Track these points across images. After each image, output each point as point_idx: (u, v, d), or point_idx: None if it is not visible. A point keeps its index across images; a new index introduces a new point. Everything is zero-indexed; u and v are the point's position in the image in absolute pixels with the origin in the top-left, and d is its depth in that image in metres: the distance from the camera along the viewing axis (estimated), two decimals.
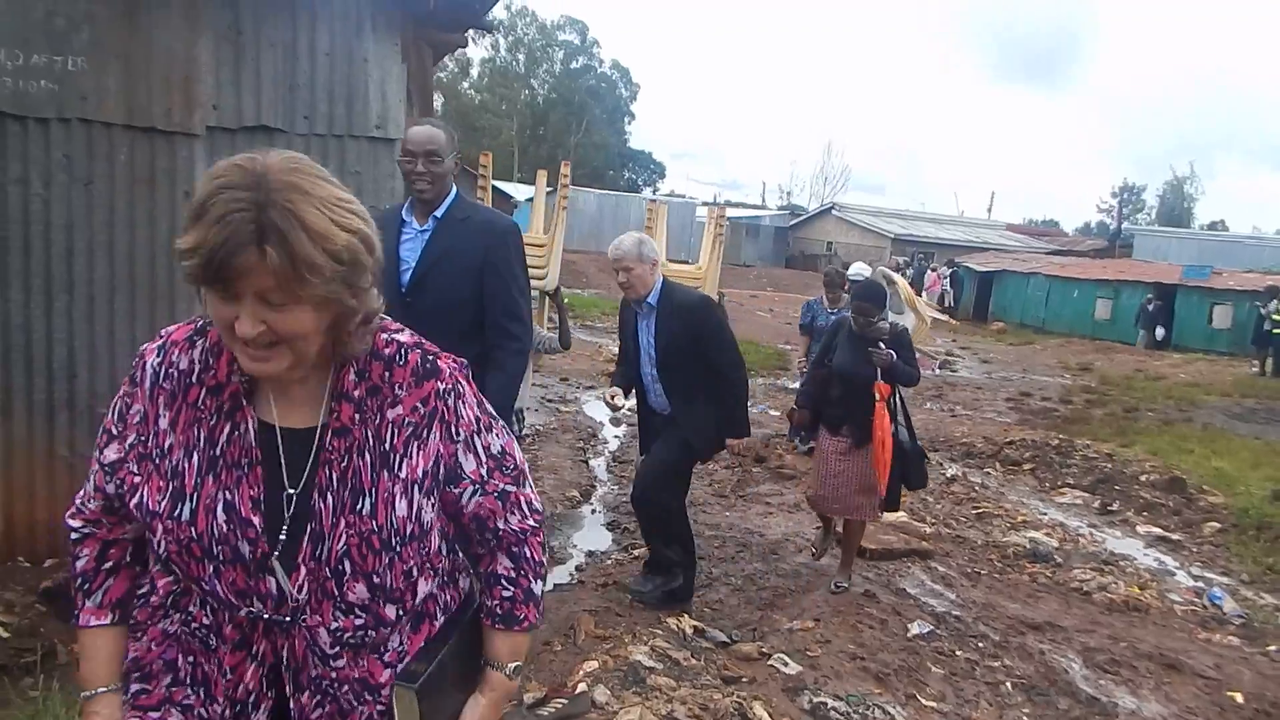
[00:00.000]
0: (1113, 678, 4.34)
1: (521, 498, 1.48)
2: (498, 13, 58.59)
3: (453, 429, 1.37)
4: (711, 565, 5.49)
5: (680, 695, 3.27)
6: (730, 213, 43.15)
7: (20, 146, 3.97)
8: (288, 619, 1.29)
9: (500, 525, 1.45)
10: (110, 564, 1.41)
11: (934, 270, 29.24)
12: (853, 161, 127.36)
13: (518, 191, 32.76)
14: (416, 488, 1.33)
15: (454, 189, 3.17)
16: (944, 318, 16.63)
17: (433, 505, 1.36)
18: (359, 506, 1.29)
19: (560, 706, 3.06)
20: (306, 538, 1.28)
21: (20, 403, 4.15)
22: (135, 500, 1.31)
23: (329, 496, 1.29)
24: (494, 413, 1.47)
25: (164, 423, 1.32)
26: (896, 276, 8.80)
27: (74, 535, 1.41)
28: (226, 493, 1.28)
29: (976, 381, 15.39)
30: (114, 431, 1.36)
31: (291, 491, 1.30)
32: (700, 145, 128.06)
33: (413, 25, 4.62)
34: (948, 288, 29.22)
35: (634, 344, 4.53)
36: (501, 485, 1.44)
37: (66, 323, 4.17)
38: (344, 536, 1.28)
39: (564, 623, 4.04)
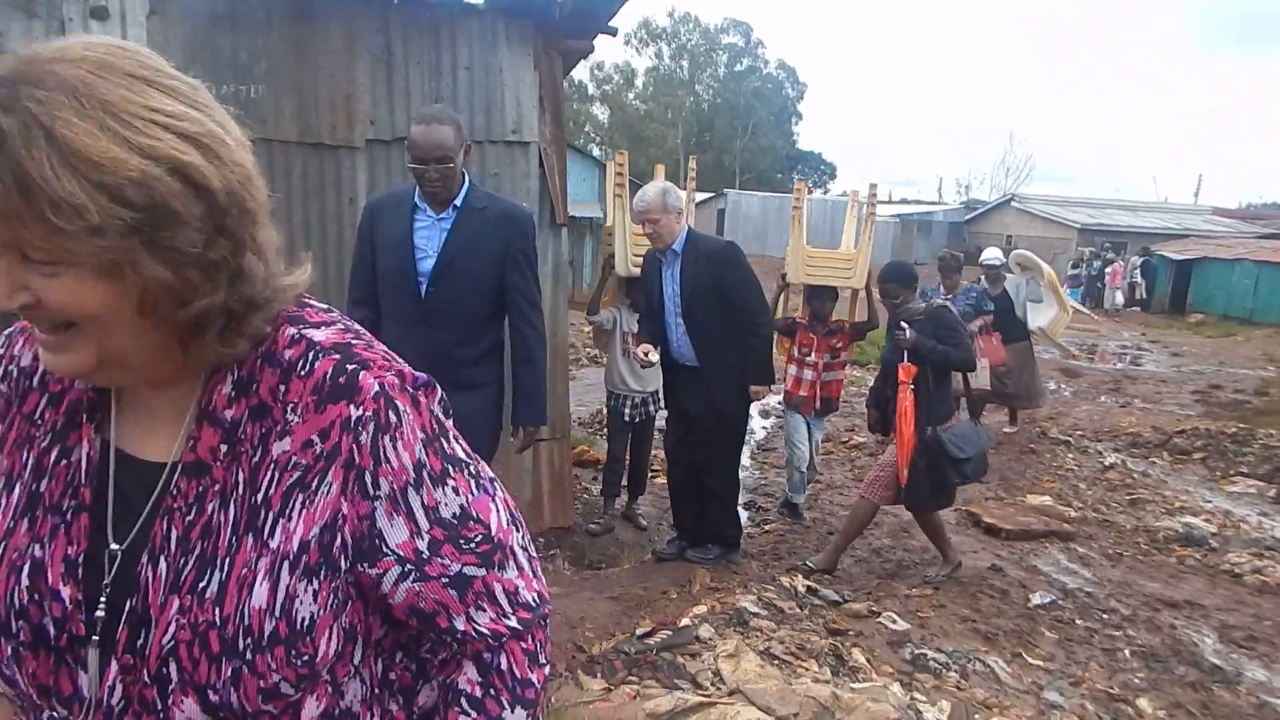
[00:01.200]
0: (1246, 651, 4.25)
1: (497, 585, 1.01)
2: (660, 20, 59.78)
3: (367, 479, 0.92)
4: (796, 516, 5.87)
5: (779, 636, 3.55)
6: (901, 210, 42.18)
7: None
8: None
9: (458, 625, 1.00)
10: None
11: (1117, 261, 27.52)
12: (1039, 150, 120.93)
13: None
14: (287, 565, 0.90)
15: (466, 176, 3.17)
16: (1085, 313, 15.44)
17: (318, 594, 0.91)
18: (201, 584, 0.89)
19: (665, 637, 3.41)
20: (124, 620, 0.89)
21: None
22: None
23: (162, 563, 0.89)
24: (463, 458, 1.00)
25: None
26: (1040, 262, 8.56)
27: None
28: (37, 547, 0.91)
29: (1161, 375, 14.54)
30: None
31: (116, 547, 0.91)
32: (872, 143, 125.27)
33: (542, 36, 5.12)
34: (1138, 279, 27.45)
35: (658, 294, 4.55)
36: (456, 566, 0.97)
37: None
38: (172, 626, 0.88)
39: (682, 576, 4.39)
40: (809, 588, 4.44)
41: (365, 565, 0.94)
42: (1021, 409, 8.80)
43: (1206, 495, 7.18)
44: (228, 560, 0.89)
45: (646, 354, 4.46)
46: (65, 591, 0.90)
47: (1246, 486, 7.40)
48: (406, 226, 3.11)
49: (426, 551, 0.96)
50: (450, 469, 0.98)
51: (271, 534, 0.90)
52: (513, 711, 1.03)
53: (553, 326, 5.17)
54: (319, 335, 0.96)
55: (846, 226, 7.66)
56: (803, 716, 2.79)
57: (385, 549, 0.94)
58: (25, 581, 0.91)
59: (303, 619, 0.90)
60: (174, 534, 0.90)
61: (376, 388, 0.93)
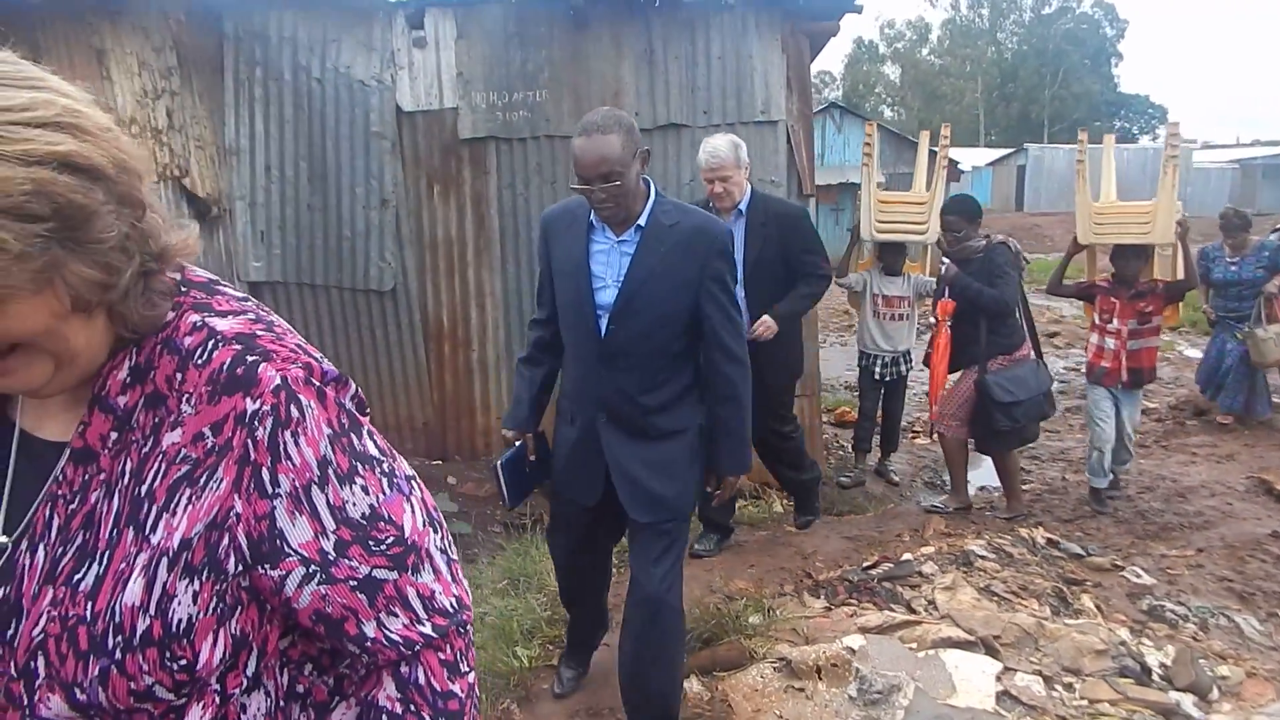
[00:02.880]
0: None
1: (410, 589, 0.99)
2: None
3: (265, 476, 0.90)
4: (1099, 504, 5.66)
5: (1003, 576, 3.78)
6: (1242, 154, 36.95)
7: (509, 161, 5.62)
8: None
9: (368, 632, 0.97)
10: None
11: None
12: None
13: (971, 158, 31.66)
14: (165, 563, 0.88)
15: (650, 187, 2.61)
16: None
17: (198, 595, 0.89)
18: (77, 576, 0.88)
19: (888, 569, 3.77)
20: None
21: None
22: None
23: (40, 551, 0.89)
24: (375, 455, 0.97)
25: None
26: None
27: None
28: None
29: None
30: None
31: (5, 540, 0.90)
32: (1211, 82, 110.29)
33: (789, 23, 5.51)
34: None
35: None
36: (365, 569, 0.95)
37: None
38: (43, 619, 0.87)
39: (917, 522, 4.68)
40: (1050, 540, 4.54)
41: (266, 567, 0.91)
42: None
43: None
44: (107, 553, 0.87)
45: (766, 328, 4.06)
46: None
47: None
48: (582, 250, 2.62)
49: (333, 552, 0.92)
50: (360, 466, 0.94)
51: (154, 529, 0.87)
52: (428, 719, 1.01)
53: None
54: (222, 324, 0.92)
55: (1163, 174, 7.05)
56: (1004, 639, 3.06)
57: (287, 549, 0.91)
58: None
59: (179, 620, 0.87)
60: (55, 522, 0.89)
61: (277, 380, 0.89)
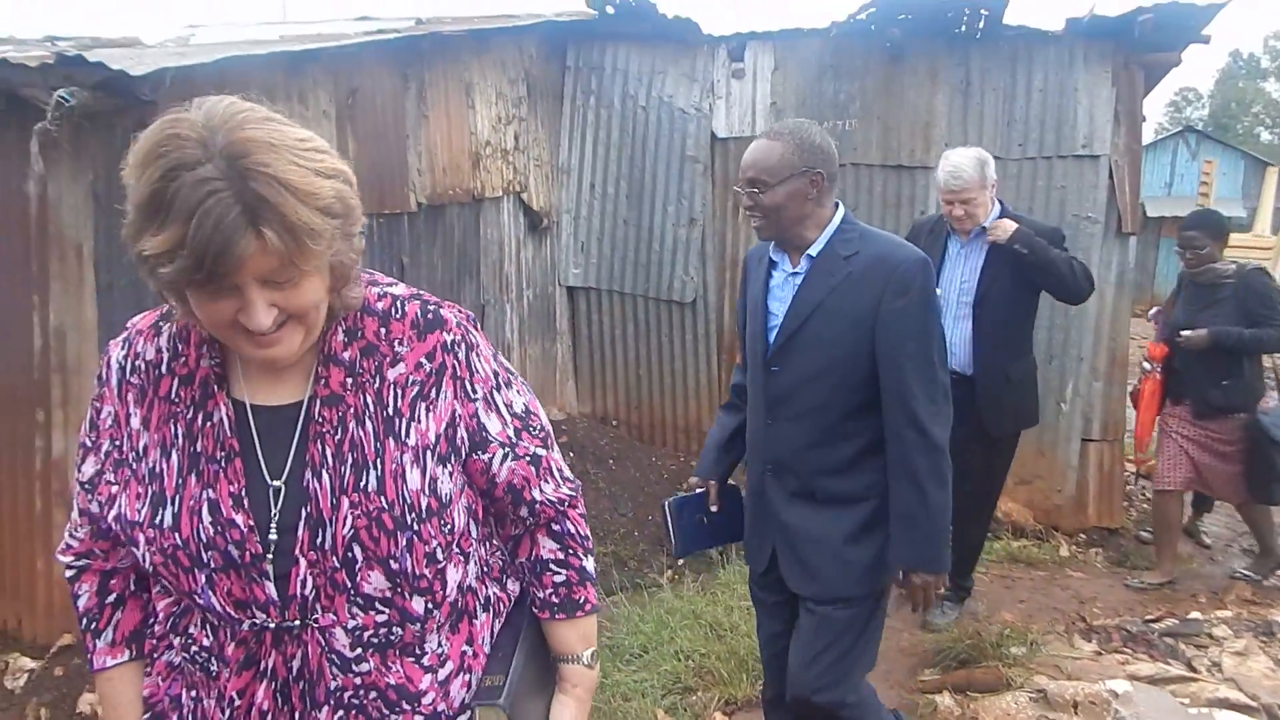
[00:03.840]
0: None
1: (553, 463, 1.36)
2: None
3: (468, 385, 1.25)
4: None
5: None
6: None
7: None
8: (297, 623, 1.17)
9: (536, 496, 1.34)
10: (114, 596, 1.30)
11: None
12: None
13: None
14: (430, 455, 1.21)
15: (836, 214, 2.35)
16: None
17: (451, 475, 1.23)
18: (363, 483, 1.16)
19: (1172, 625, 3.66)
20: (302, 525, 1.15)
21: None
22: (114, 512, 1.19)
23: (324, 475, 1.16)
24: (510, 369, 1.34)
25: (136, 422, 1.20)
26: None
27: (69, 572, 1.30)
28: (209, 492, 1.15)
29: None
30: (88, 443, 1.24)
31: (275, 483, 1.17)
32: None
33: (1123, 54, 5.37)
34: None
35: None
36: (532, 448, 1.32)
37: None
38: (349, 518, 1.15)
39: (1219, 585, 4.42)
40: None
41: (480, 453, 1.27)
42: None
43: None
44: (378, 461, 1.17)
45: None
46: (239, 519, 1.15)
47: None
48: (761, 284, 2.45)
49: (514, 437, 1.30)
50: (511, 376, 1.34)
51: (408, 435, 1.20)
52: (586, 559, 1.41)
53: (1113, 332, 5.42)
54: (396, 290, 1.27)
55: None
56: None
57: (489, 437, 1.28)
58: (207, 518, 1.15)
59: (445, 494, 1.22)
60: (328, 451, 1.17)
61: (457, 318, 1.27)
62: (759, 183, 2.29)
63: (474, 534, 1.33)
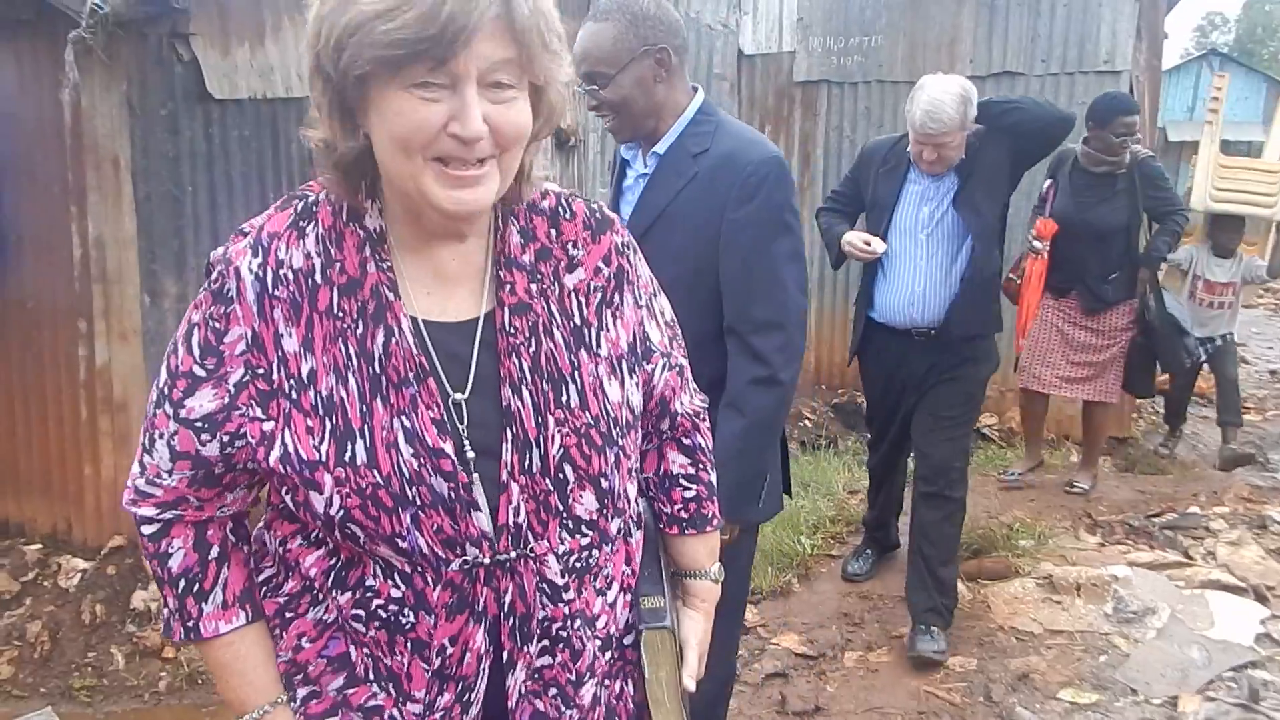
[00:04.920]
0: None
1: (688, 373, 1.31)
2: None
3: (638, 292, 1.17)
4: None
5: None
6: None
7: (839, 104, 6.10)
8: (511, 554, 1.07)
9: (677, 408, 1.28)
10: (215, 550, 1.12)
11: None
12: None
13: None
14: (623, 364, 1.13)
15: (692, 101, 2.00)
16: None
17: (638, 384, 1.16)
18: (564, 398, 1.07)
19: (1171, 518, 3.96)
20: (509, 447, 1.05)
21: None
22: (276, 454, 1.02)
23: (525, 392, 1.05)
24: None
25: (292, 343, 1.03)
26: None
27: (150, 528, 1.10)
28: (404, 419, 1.02)
29: None
30: (202, 372, 1.04)
31: (459, 397, 1.05)
32: None
33: None
34: None
35: (887, 205, 3.32)
36: (679, 357, 1.28)
37: None
38: (557, 437, 1.06)
39: (1220, 485, 4.68)
40: None
41: (645, 363, 1.19)
42: None
43: None
44: (574, 374, 1.08)
45: (868, 244, 3.29)
46: (448, 447, 1.02)
47: None
48: (615, 185, 2.19)
49: (669, 346, 1.25)
50: (656, 284, 1.26)
51: (599, 345, 1.11)
52: (710, 472, 1.36)
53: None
54: (557, 188, 1.17)
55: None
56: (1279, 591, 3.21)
57: (653, 346, 1.21)
58: (407, 450, 1.01)
59: (637, 405, 1.16)
60: (524, 365, 1.06)
61: (618, 218, 1.19)
62: (596, 76, 1.94)
63: (642, 447, 1.28)
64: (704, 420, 1.35)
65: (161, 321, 3.81)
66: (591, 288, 1.12)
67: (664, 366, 1.23)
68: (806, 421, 5.85)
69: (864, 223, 3.47)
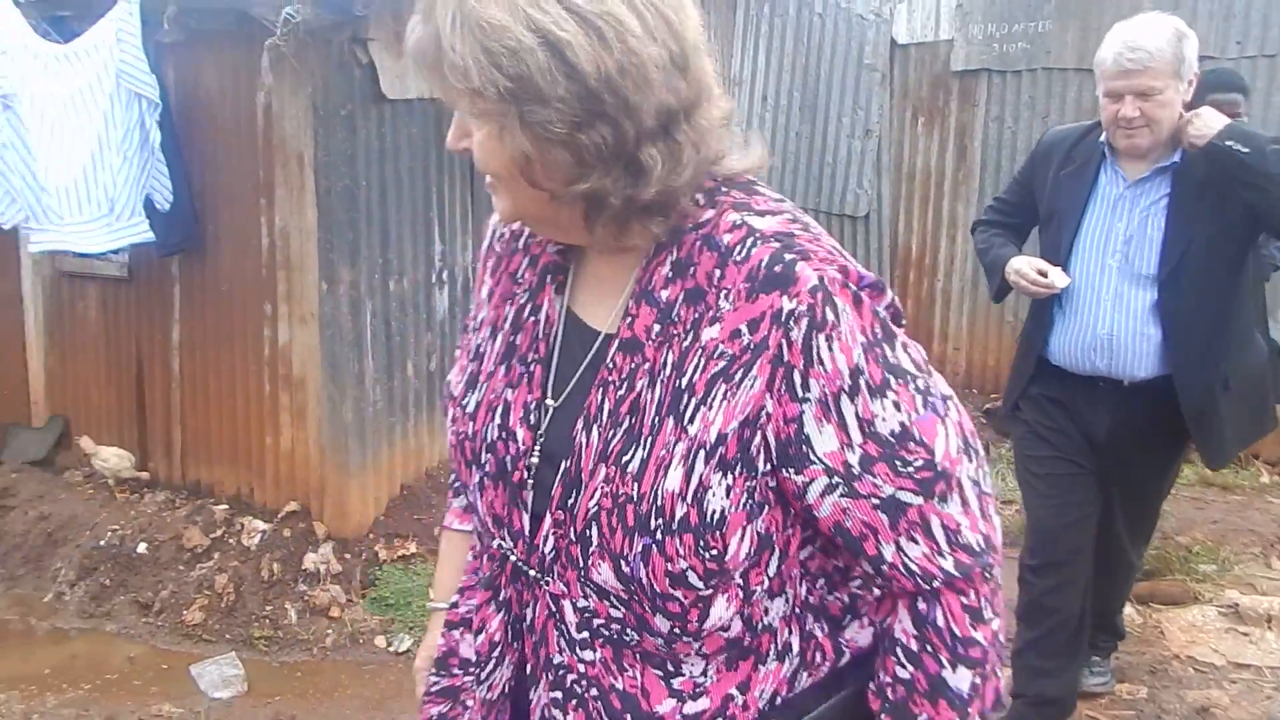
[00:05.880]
0: None
1: (935, 518, 0.97)
2: None
3: (796, 379, 0.93)
4: None
5: None
6: None
7: (999, 94, 5.98)
8: (533, 572, 1.05)
9: (886, 556, 0.98)
10: None
11: None
12: None
13: None
14: (705, 455, 0.95)
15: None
16: None
17: (731, 490, 0.95)
18: (626, 458, 0.98)
19: None
20: (559, 479, 1.02)
21: None
22: (449, 377, 1.18)
23: (594, 431, 1.00)
24: (910, 370, 0.96)
25: (485, 291, 1.17)
26: None
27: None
28: (508, 392, 1.07)
29: None
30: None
31: (552, 403, 1.05)
32: None
33: None
34: None
35: (1071, 215, 2.62)
36: (889, 489, 0.95)
37: None
38: (597, 492, 0.98)
39: None
40: None
41: (790, 471, 0.95)
42: None
43: None
44: (650, 439, 0.96)
45: (1044, 273, 2.57)
46: (520, 434, 1.04)
47: None
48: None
49: (857, 467, 0.94)
50: (893, 380, 0.94)
51: (691, 420, 0.94)
52: (954, 671, 0.99)
53: None
54: (760, 222, 0.97)
55: None
56: None
57: (812, 456, 0.94)
58: (497, 420, 1.06)
59: (713, 511, 0.94)
60: (606, 405, 0.99)
61: (815, 281, 0.92)
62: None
63: (771, 567, 1.02)
64: (958, 590, 0.99)
65: (336, 306, 4.19)
66: (718, 351, 0.95)
67: (833, 489, 0.95)
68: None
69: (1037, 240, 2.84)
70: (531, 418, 1.05)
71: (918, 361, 0.98)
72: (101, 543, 4.31)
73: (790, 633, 1.06)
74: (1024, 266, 2.59)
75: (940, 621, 0.99)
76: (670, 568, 0.95)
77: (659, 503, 0.94)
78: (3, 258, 5.15)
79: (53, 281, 5.09)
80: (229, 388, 4.56)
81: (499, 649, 1.12)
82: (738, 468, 0.95)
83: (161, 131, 4.11)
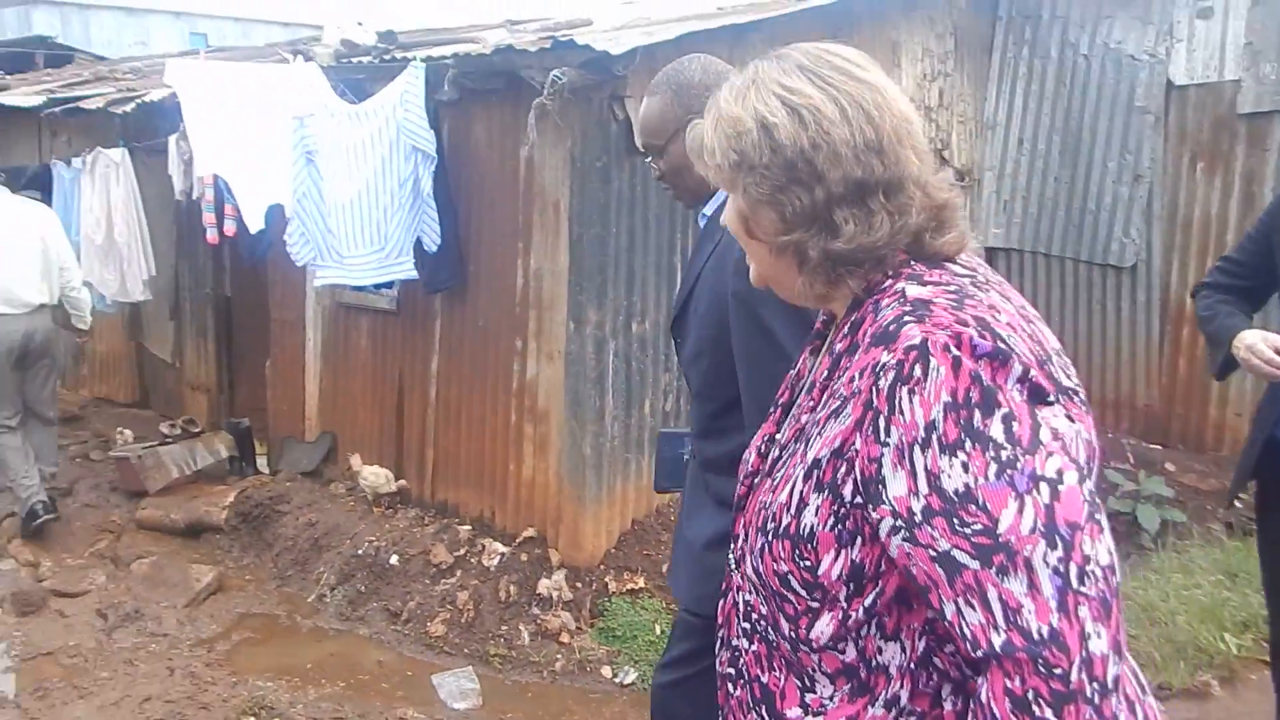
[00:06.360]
0: None
1: (993, 589, 0.96)
2: None
3: (880, 423, 1.01)
4: None
5: None
6: None
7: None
8: (732, 563, 1.28)
9: (947, 612, 1.00)
10: None
11: None
12: None
13: None
14: (803, 473, 1.10)
15: None
16: None
17: (819, 509, 1.07)
18: (776, 473, 1.18)
19: None
20: (754, 493, 1.24)
21: None
22: None
23: (781, 452, 1.20)
24: (999, 440, 0.97)
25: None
26: None
27: None
28: (764, 424, 1.33)
29: None
30: None
31: (776, 435, 1.27)
32: None
33: None
34: None
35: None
36: (945, 544, 0.98)
37: None
38: (762, 497, 1.19)
39: None
40: None
41: (870, 508, 1.03)
42: None
43: None
44: (790, 460, 1.16)
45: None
46: (751, 456, 1.30)
47: None
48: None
49: (919, 515, 0.98)
50: (969, 443, 0.97)
51: (810, 446, 1.11)
52: None
53: None
54: (914, 290, 1.07)
55: None
56: None
57: (884, 496, 1.01)
58: (753, 439, 1.33)
59: (807, 525, 1.08)
60: (788, 435, 1.20)
61: (916, 340, 1.00)
62: (650, 147, 2.13)
63: (868, 599, 1.07)
64: (1008, 677, 0.95)
65: (583, 345, 4.43)
66: (839, 393, 1.09)
67: (897, 531, 1.01)
68: (1238, 502, 5.26)
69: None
70: (762, 446, 1.29)
71: (1018, 437, 0.98)
72: (359, 552, 4.71)
73: (902, 686, 1.09)
74: (1258, 343, 2.27)
75: (983, 698, 0.98)
76: (775, 568, 1.12)
77: (773, 510, 1.13)
78: (292, 291, 5.83)
79: (331, 312, 5.68)
80: (479, 416, 4.90)
81: (723, 632, 1.30)
82: (826, 491, 1.07)
83: (434, 181, 4.52)
